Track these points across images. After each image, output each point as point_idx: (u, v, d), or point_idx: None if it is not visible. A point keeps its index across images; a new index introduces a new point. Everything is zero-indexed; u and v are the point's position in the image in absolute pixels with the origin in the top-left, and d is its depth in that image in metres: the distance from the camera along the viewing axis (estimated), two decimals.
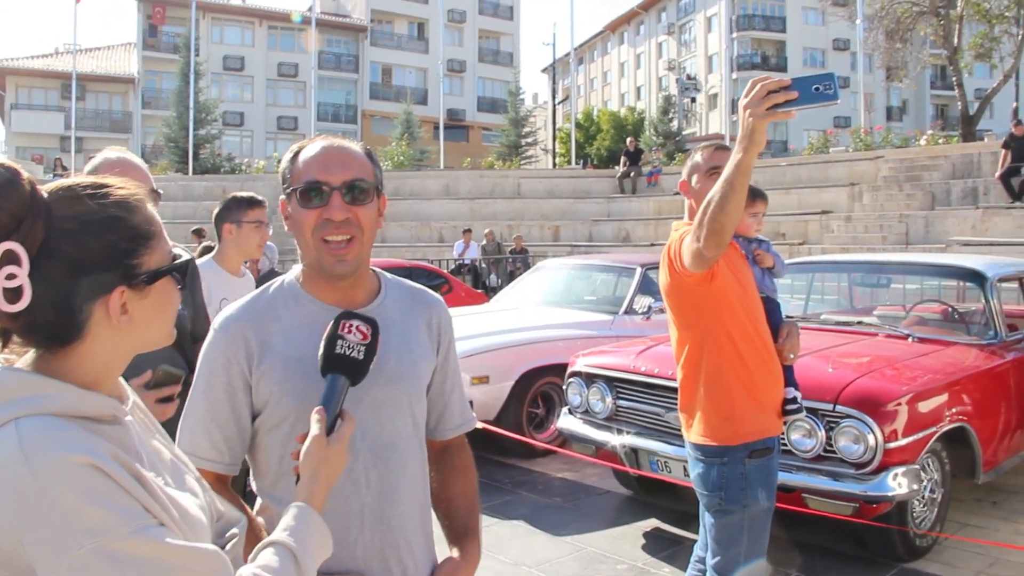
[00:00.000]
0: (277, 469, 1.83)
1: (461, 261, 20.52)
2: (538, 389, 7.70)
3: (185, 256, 1.39)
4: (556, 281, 9.70)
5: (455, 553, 1.97)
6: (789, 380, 3.34)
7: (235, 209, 4.39)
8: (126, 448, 1.25)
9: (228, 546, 1.41)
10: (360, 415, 1.79)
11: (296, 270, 1.94)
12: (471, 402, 7.24)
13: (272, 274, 8.63)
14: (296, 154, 1.88)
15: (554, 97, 50.12)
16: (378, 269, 2.01)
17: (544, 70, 65.32)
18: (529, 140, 46.12)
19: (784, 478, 4.62)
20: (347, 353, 1.59)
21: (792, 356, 3.39)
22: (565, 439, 6.45)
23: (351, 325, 1.61)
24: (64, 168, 29.87)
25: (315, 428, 1.54)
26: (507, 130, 44.97)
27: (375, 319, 1.65)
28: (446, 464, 2.09)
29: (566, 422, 6.14)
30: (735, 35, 56.72)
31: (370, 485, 1.82)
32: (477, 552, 2.00)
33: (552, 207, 26.05)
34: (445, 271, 15.60)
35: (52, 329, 1.25)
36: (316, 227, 1.79)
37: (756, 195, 3.45)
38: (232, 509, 1.55)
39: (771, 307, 3.36)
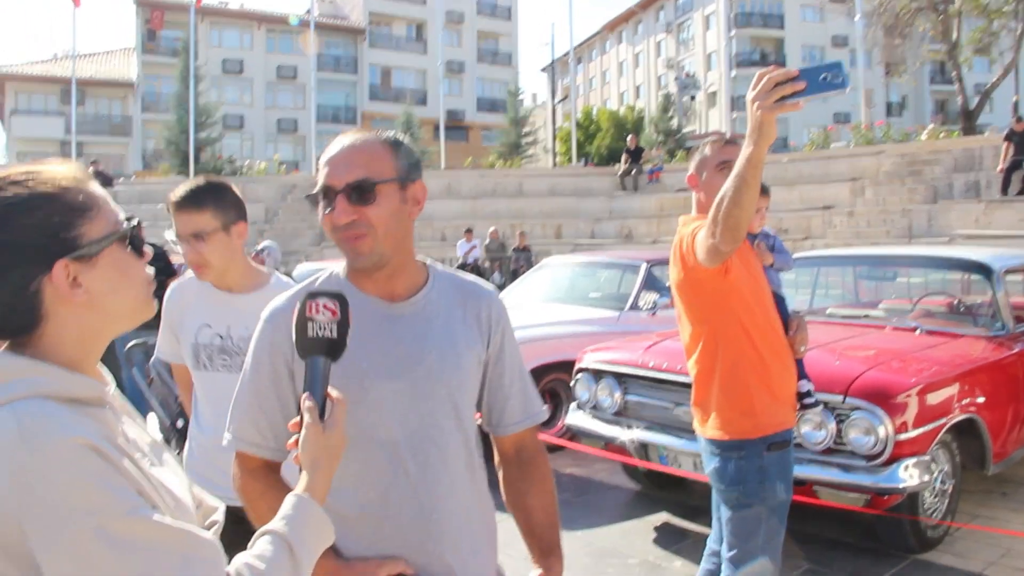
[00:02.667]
0: None
1: (464, 260, 20.52)
2: (545, 385, 7.70)
3: (133, 222, 1.37)
4: (561, 278, 9.69)
5: (538, 571, 1.99)
6: (801, 373, 3.34)
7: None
8: (114, 431, 1.26)
9: (210, 532, 1.39)
10: (398, 408, 1.83)
11: (342, 265, 1.96)
12: None
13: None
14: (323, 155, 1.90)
15: (553, 96, 50.13)
16: (429, 261, 2.00)
17: (543, 70, 65.43)
18: (529, 140, 46.15)
19: (795, 471, 4.62)
20: (320, 335, 1.56)
21: (803, 349, 3.39)
22: (573, 435, 6.45)
23: (317, 304, 1.57)
24: None
25: (308, 417, 1.51)
26: (507, 130, 45.03)
27: (342, 293, 1.61)
28: (523, 471, 2.08)
29: (574, 418, 6.14)
30: (733, 33, 56.85)
31: (409, 477, 1.82)
32: (560, 569, 2.02)
33: (554, 205, 26.07)
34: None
35: (5, 316, 1.25)
36: (332, 229, 1.82)
37: (765, 191, 3.45)
38: (210, 497, 1.55)
39: (777, 302, 3.36)
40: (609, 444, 5.80)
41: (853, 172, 20.91)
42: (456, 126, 55.96)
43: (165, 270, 8.35)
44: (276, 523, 1.39)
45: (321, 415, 1.52)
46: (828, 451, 4.66)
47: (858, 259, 8.02)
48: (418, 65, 58.02)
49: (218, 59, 53.02)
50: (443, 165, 34.77)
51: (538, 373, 7.56)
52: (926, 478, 4.60)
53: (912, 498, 4.72)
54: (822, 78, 2.32)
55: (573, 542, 5.39)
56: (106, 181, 28.36)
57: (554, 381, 7.66)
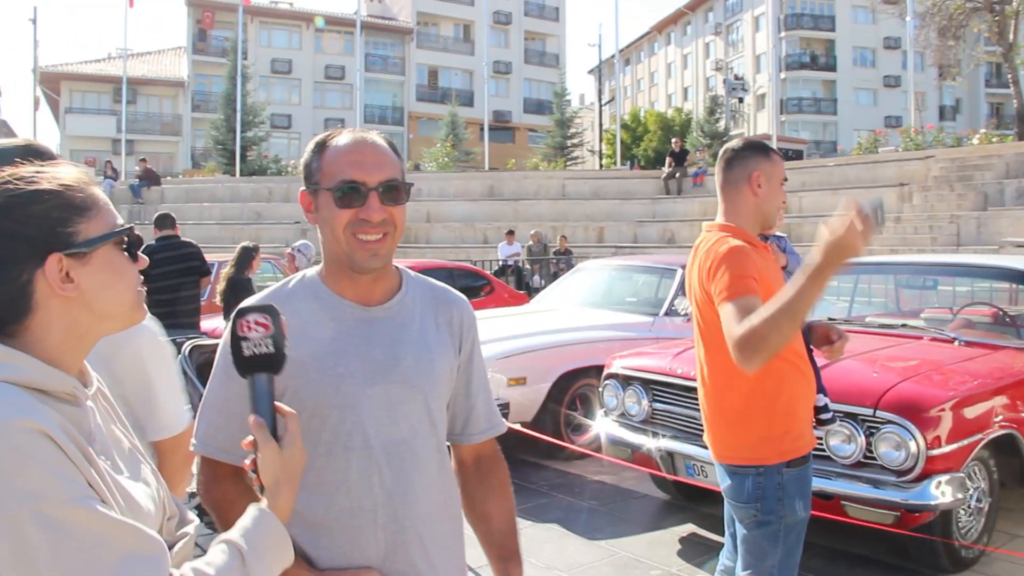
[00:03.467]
0: None
1: (505, 262, 20.46)
2: (576, 391, 7.62)
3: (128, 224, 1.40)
4: (597, 282, 9.60)
5: None
6: (818, 386, 3.20)
7: None
8: (81, 428, 1.27)
9: (179, 544, 1.40)
10: (374, 413, 1.80)
11: (318, 266, 1.93)
12: (507, 404, 7.21)
13: None
14: (322, 147, 1.85)
15: (600, 98, 49.95)
16: (401, 266, 1.99)
17: (591, 71, 65.17)
18: (575, 141, 46.00)
19: (822, 485, 4.51)
20: (257, 352, 1.50)
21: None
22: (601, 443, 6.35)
23: (247, 322, 1.51)
24: (114, 170, 30.32)
25: (262, 438, 1.46)
26: (553, 131, 44.91)
27: (271, 304, 1.54)
28: (482, 479, 2.06)
29: (602, 425, 6.06)
30: (783, 34, 56.21)
31: (383, 484, 1.79)
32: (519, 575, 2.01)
33: (597, 208, 25.93)
34: (488, 272, 15.51)
35: None
36: (349, 224, 1.78)
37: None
38: (186, 510, 1.53)
39: None
40: (636, 453, 5.71)
41: (901, 177, 20.54)
42: (503, 127, 55.99)
43: (200, 269, 8.38)
44: (233, 532, 1.37)
45: (274, 432, 1.47)
46: (857, 465, 4.52)
47: (898, 267, 7.82)
48: (465, 66, 58.09)
49: (267, 59, 53.53)
50: (487, 166, 34.79)
51: (569, 378, 7.50)
52: (960, 496, 4.44)
53: (945, 516, 4.57)
54: (875, 215, 2.35)
55: (595, 551, 5.32)
56: (153, 179, 28.76)
57: (585, 386, 7.58)
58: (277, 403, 1.51)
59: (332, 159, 1.82)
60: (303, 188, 1.87)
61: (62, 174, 1.33)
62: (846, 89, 58.23)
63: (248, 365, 1.51)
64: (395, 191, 1.80)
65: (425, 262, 13.89)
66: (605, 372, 6.14)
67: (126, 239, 1.38)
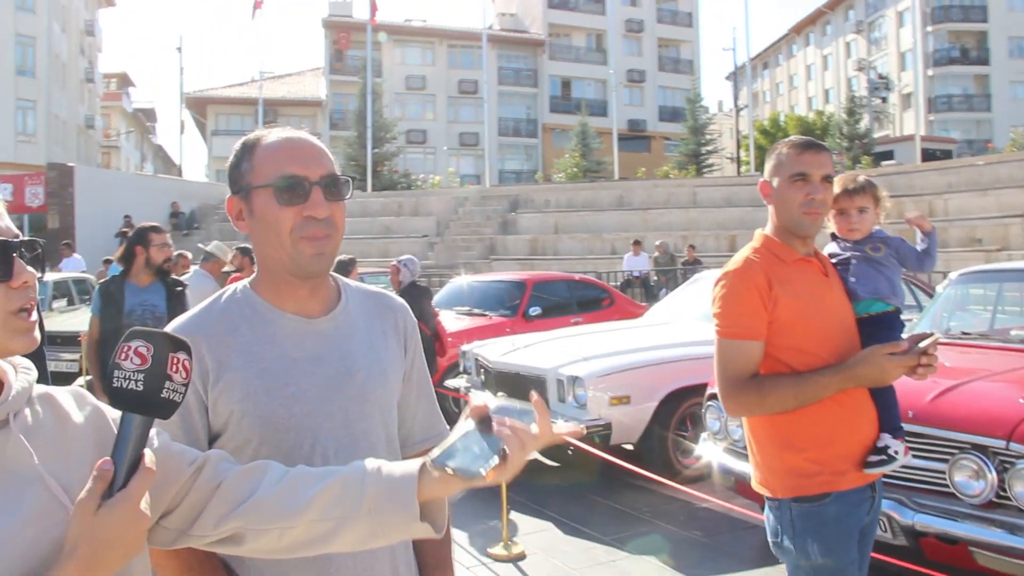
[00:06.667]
0: None
1: (630, 274, 19.91)
2: (686, 411, 7.12)
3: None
4: None
5: None
6: (888, 422, 2.68)
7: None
8: None
9: None
10: (332, 433, 1.70)
11: (247, 280, 1.80)
12: (609, 424, 6.76)
13: (413, 287, 8.38)
14: (251, 146, 1.73)
15: (736, 103, 48.77)
16: (338, 276, 1.89)
17: (728, 77, 63.80)
18: (709, 148, 45.02)
19: (946, 527, 3.93)
20: (124, 386, 1.20)
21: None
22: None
23: (128, 348, 1.21)
24: None
25: (85, 489, 1.15)
26: (687, 139, 44.08)
27: (163, 333, 1.25)
28: None
29: (704, 449, 5.57)
30: (930, 28, 53.60)
31: None
32: None
33: (729, 216, 25.10)
34: (609, 284, 15.03)
35: None
36: (296, 227, 1.66)
37: (859, 189, 2.87)
38: None
39: (889, 322, 2.72)
40: (739, 481, 5.20)
41: None
42: (638, 136, 55.37)
43: None
44: None
45: (122, 485, 1.16)
46: (988, 505, 3.89)
47: None
48: (598, 75, 57.56)
49: (402, 75, 54.48)
50: (616, 175, 34.32)
51: (678, 397, 7.02)
52: None
53: None
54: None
55: None
56: None
57: (695, 406, 7.05)
58: (145, 451, 1.21)
59: (265, 156, 1.69)
60: (230, 195, 1.75)
61: None
62: (1001, 83, 54.96)
63: (118, 398, 1.21)
64: (337, 186, 1.69)
65: (545, 274, 13.63)
66: (708, 391, 5.65)
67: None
